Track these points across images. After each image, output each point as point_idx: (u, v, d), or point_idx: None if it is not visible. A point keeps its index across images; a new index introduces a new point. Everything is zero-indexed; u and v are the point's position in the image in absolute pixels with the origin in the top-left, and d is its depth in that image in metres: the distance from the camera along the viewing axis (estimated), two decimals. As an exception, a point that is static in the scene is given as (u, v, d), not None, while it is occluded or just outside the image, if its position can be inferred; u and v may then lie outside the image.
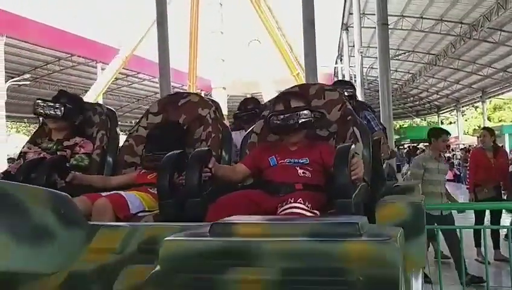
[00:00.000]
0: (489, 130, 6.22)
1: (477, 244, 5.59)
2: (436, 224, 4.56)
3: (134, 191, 2.35)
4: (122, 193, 2.27)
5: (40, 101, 2.82)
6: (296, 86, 2.81)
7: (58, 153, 2.74)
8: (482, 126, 31.23)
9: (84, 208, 2.01)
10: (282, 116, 2.20)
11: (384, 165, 3.11)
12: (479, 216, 5.75)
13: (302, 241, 1.05)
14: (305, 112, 2.17)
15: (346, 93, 3.60)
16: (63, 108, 2.77)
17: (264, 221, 1.30)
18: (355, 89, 4.34)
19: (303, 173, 2.12)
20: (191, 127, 2.77)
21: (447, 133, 5.45)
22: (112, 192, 2.30)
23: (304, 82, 10.51)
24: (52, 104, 2.80)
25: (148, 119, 2.92)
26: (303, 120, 2.17)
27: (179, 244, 1.12)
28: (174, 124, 2.79)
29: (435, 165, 5.19)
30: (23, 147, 2.93)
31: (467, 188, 6.40)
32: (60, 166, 2.44)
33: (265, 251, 1.02)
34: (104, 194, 2.25)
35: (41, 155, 2.68)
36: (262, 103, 4.01)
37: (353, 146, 1.94)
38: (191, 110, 2.83)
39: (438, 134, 5.31)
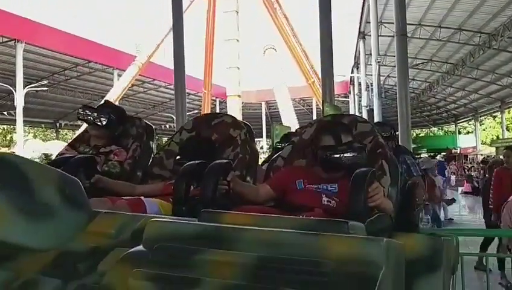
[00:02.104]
0: None
1: (501, 267, 5.37)
2: None
3: (157, 199, 2.37)
4: (142, 198, 2.30)
5: (85, 108, 2.99)
6: (329, 115, 2.81)
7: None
8: (501, 136, 30.97)
9: (104, 208, 1.99)
10: (340, 155, 2.06)
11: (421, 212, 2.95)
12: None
13: (282, 232, 1.08)
14: (360, 151, 2.08)
15: (384, 134, 3.64)
16: (107, 118, 2.90)
17: (257, 214, 1.33)
18: (395, 131, 4.25)
19: (327, 201, 2.01)
20: (221, 147, 2.80)
21: None
22: (133, 197, 2.33)
23: (320, 90, 10.47)
24: (97, 112, 2.93)
25: (181, 135, 2.99)
26: (355, 159, 2.05)
27: (162, 225, 1.16)
28: (207, 139, 2.83)
29: None
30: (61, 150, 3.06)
31: (490, 208, 6.11)
32: (87, 166, 2.45)
33: (244, 237, 1.06)
34: (125, 198, 2.28)
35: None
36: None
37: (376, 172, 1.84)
38: (223, 130, 2.88)
39: None
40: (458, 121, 37.24)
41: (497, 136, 35.08)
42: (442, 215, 9.99)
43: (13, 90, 19.77)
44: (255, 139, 3.65)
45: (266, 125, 34.59)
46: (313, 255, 0.98)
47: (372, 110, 16.49)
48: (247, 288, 0.92)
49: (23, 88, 19.78)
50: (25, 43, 18.93)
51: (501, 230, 5.46)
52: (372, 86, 17.09)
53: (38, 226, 1.26)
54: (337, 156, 2.06)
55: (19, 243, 1.21)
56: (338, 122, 2.44)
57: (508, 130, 34.53)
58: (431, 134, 43.39)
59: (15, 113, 20.62)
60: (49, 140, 31.94)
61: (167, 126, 34.33)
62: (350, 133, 2.21)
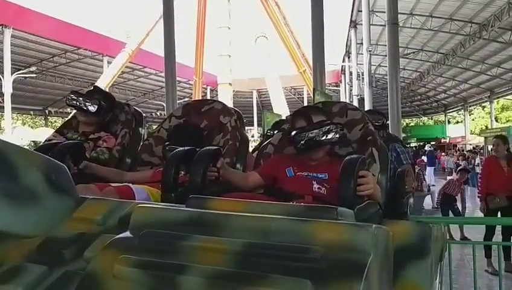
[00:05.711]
0: (502, 138, 5.89)
1: (488, 255, 5.43)
2: None
3: (145, 186, 2.33)
4: (131, 185, 2.26)
5: (75, 93, 2.91)
6: (318, 102, 2.83)
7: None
8: (489, 126, 31.21)
9: (92, 195, 1.96)
10: (306, 133, 2.07)
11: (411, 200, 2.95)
12: (490, 226, 5.59)
13: (270, 218, 1.07)
14: (330, 126, 2.06)
15: (376, 124, 3.58)
16: (97, 104, 2.85)
17: (245, 200, 1.32)
18: (386, 119, 4.26)
19: (318, 188, 2.00)
20: (210, 133, 2.78)
21: None
22: (121, 184, 2.29)
23: (311, 79, 10.46)
24: (88, 98, 2.87)
25: (171, 122, 2.96)
26: (328, 135, 2.05)
27: (149, 211, 1.15)
28: (196, 126, 2.81)
29: None
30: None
31: (478, 197, 6.14)
32: (74, 152, 2.40)
33: (232, 223, 1.06)
34: (113, 185, 2.24)
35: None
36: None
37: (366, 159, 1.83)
38: (213, 116, 2.86)
39: None
40: (448, 111, 37.47)
41: (486, 126, 35.33)
42: (429, 203, 10.12)
43: (1, 77, 19.47)
44: (246, 128, 3.63)
45: (257, 113, 34.48)
46: (301, 241, 0.97)
47: (363, 99, 16.54)
48: (235, 274, 0.91)
49: (11, 74, 19.51)
50: (13, 28, 18.63)
51: (484, 218, 5.52)
52: (363, 75, 17.12)
53: (23, 212, 1.22)
54: (304, 133, 2.07)
55: (3, 230, 1.18)
56: (315, 106, 2.44)
57: (496, 120, 34.77)
58: (421, 123, 43.65)
59: (3, 100, 20.34)
60: (38, 127, 31.65)
61: (158, 114, 34.13)
62: (323, 113, 2.22)
